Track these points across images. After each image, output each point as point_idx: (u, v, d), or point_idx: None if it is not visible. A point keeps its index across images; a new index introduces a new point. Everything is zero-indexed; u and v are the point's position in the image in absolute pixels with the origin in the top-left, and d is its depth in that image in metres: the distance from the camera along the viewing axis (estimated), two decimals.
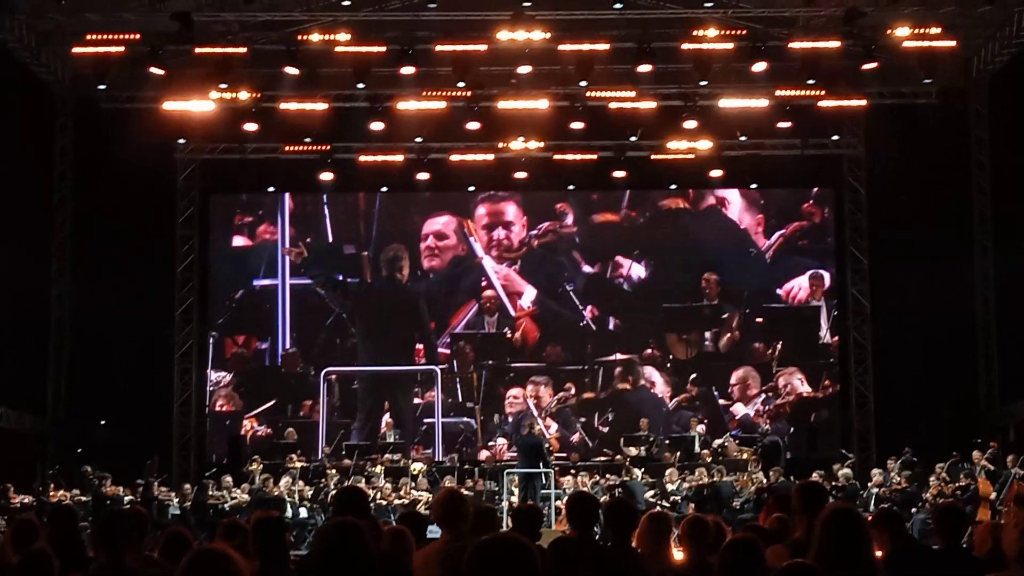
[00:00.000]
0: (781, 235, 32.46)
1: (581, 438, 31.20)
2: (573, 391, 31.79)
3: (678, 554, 8.62)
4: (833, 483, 24.53)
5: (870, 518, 8.50)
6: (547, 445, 27.02)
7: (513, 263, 32.54)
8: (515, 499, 24.79)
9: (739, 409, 31.64)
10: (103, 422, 29.67)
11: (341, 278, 32.48)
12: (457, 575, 7.24)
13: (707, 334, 32.23)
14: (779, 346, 31.98)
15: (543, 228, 32.70)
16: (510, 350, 32.27)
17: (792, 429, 31.06)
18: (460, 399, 31.92)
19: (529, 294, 32.43)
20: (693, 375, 31.90)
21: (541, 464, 25.24)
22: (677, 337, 32.19)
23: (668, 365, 32.02)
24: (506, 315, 32.35)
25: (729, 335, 32.14)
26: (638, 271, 32.52)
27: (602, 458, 28.58)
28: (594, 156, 31.11)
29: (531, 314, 32.36)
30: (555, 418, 31.58)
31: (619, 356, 32.06)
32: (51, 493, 25.47)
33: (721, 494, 25.14)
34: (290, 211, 32.81)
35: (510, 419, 31.50)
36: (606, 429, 31.45)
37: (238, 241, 32.87)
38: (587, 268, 32.65)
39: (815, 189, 32.84)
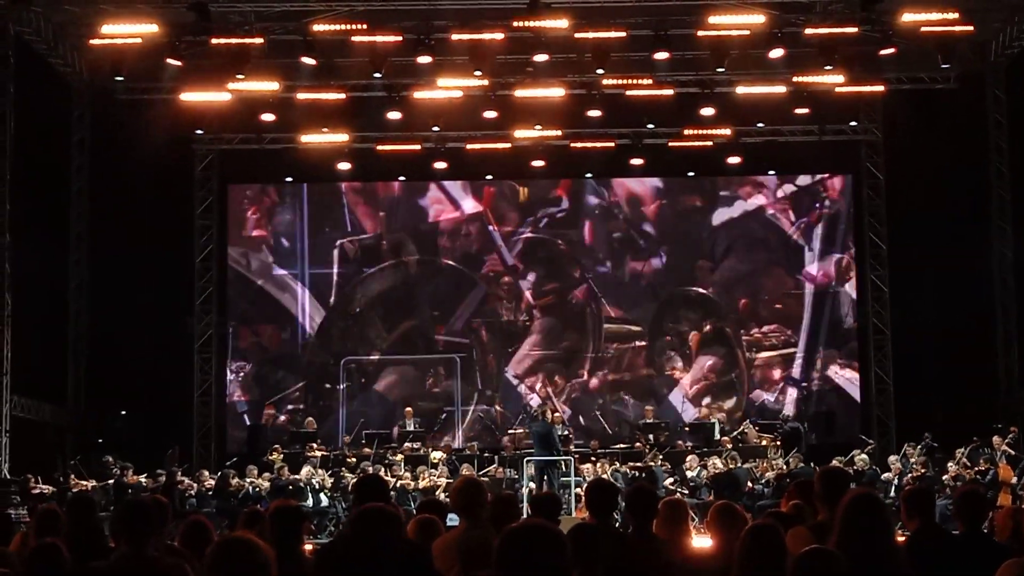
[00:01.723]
0: (804, 222, 32.41)
1: (600, 425, 31.17)
2: (585, 377, 31.77)
3: (698, 540, 8.63)
4: (852, 468, 24.50)
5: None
6: (566, 432, 26.92)
7: (527, 251, 32.56)
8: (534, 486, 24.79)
9: (760, 395, 31.63)
10: (123, 412, 29.75)
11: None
12: (476, 563, 7.26)
13: (726, 321, 32.20)
14: (801, 332, 31.95)
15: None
16: (528, 337, 32.27)
17: (811, 415, 30.98)
18: (480, 387, 31.95)
19: (543, 282, 32.42)
20: (710, 361, 31.87)
21: (553, 451, 25.17)
22: (695, 324, 32.17)
23: (688, 352, 31.99)
24: (523, 302, 32.35)
25: (749, 322, 32.13)
26: (656, 260, 32.49)
27: (622, 445, 28.57)
28: (611, 144, 31.08)
29: (548, 301, 32.35)
30: (570, 405, 31.58)
31: (638, 344, 32.04)
32: (72, 483, 25.51)
33: (737, 481, 25.10)
34: (308, 201, 32.85)
35: (526, 407, 31.47)
36: (621, 416, 31.50)
37: (257, 231, 32.91)
38: (603, 257, 32.69)
39: (833, 175, 32.77)
